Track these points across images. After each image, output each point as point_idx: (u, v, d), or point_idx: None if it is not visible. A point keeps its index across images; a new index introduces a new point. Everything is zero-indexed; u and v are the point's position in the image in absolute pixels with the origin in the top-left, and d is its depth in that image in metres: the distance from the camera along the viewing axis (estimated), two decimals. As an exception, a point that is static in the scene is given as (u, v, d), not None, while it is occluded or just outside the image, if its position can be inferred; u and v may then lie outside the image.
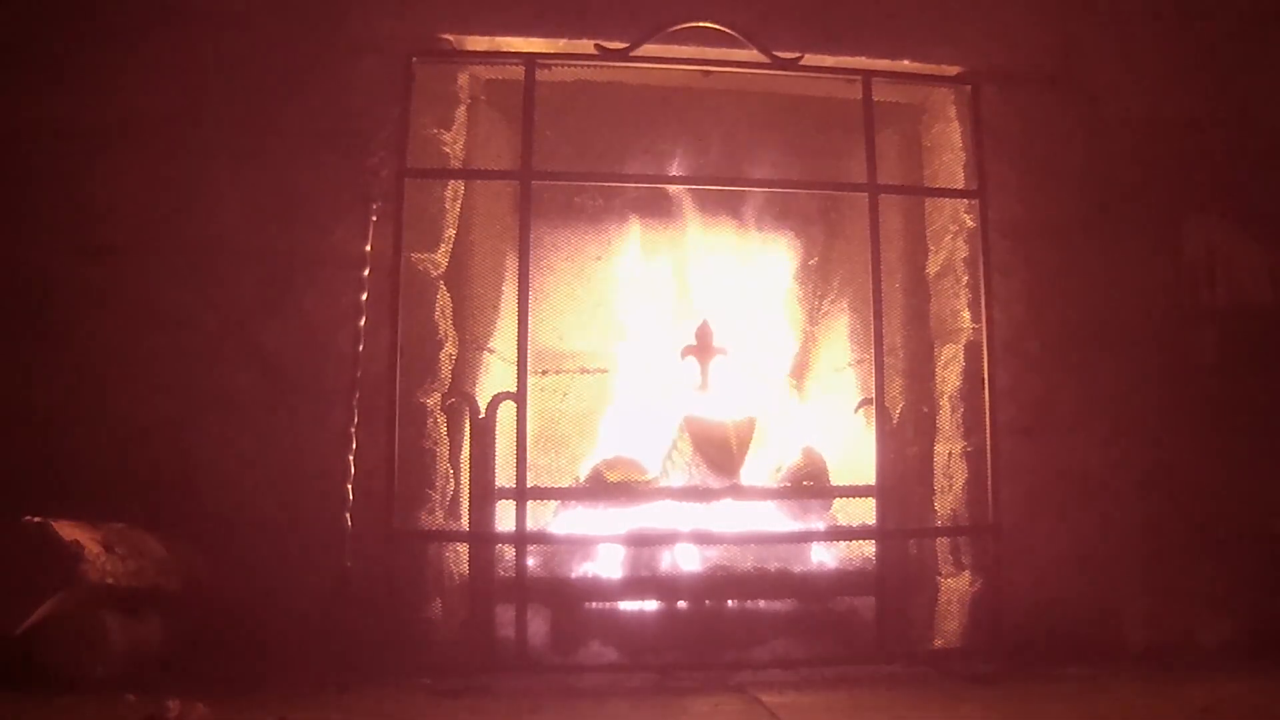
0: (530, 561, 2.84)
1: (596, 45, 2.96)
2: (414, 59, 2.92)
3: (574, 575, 2.93)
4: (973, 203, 3.07)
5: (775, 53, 2.98)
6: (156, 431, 2.84)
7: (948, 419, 3.14)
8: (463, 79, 3.07)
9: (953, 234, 3.18)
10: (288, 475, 2.82)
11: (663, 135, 3.25)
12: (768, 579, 2.95)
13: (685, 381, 3.19)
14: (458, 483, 2.97)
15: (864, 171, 2.96)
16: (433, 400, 2.95)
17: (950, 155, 3.20)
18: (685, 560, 2.95)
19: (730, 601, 2.96)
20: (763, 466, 3.24)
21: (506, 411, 2.82)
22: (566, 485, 3.15)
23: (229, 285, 2.91)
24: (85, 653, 2.38)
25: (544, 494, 2.98)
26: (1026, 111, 3.17)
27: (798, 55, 3.00)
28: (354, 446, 2.81)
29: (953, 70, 3.16)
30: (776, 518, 3.08)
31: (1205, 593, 3.03)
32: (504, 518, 2.82)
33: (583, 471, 3.21)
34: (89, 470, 2.77)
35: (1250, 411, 3.15)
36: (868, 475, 2.94)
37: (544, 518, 3.06)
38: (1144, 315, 3.17)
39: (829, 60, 3.09)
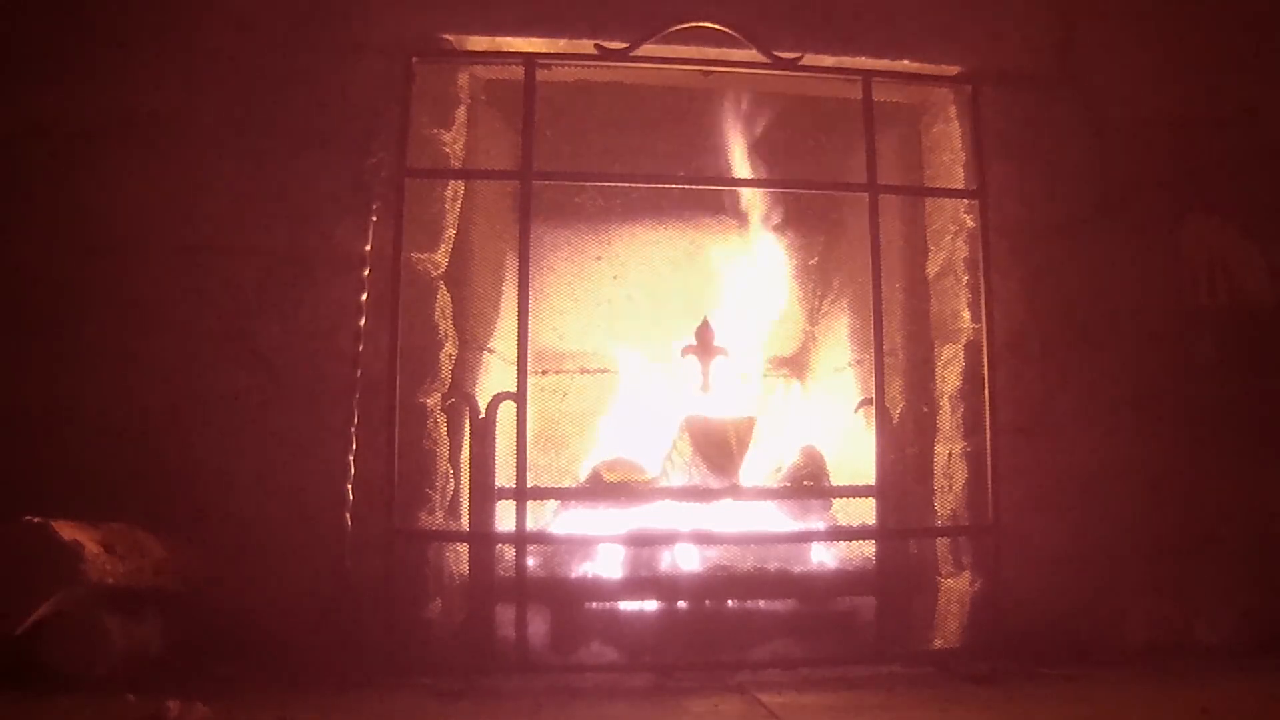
0: (530, 561, 2.84)
1: (596, 45, 2.96)
2: (414, 59, 2.92)
3: (574, 575, 2.93)
4: (973, 203, 3.07)
5: (775, 53, 2.98)
6: (156, 431, 2.84)
7: (948, 419, 3.14)
8: (463, 79, 3.07)
9: (953, 234, 3.18)
10: (288, 475, 2.82)
11: (663, 135, 3.25)
12: (768, 579, 2.95)
13: (685, 381, 3.19)
14: (458, 483, 2.97)
15: (864, 171, 2.97)
16: (433, 400, 2.95)
17: (950, 155, 3.20)
18: (685, 560, 2.95)
19: (730, 601, 2.96)
20: (763, 466, 3.24)
21: (506, 411, 2.82)
22: (566, 485, 3.16)
23: (229, 285, 2.91)
24: (85, 653, 2.38)
25: (544, 494, 2.98)
26: (1026, 111, 3.17)
27: (798, 55, 3.00)
28: (354, 446, 2.81)
29: (953, 70, 3.16)
30: (776, 518, 3.08)
31: (1205, 592, 3.03)
32: (504, 518, 2.82)
33: (583, 472, 3.21)
34: (89, 470, 2.77)
35: (1250, 411, 3.15)
36: (868, 475, 2.94)
37: (544, 518, 3.07)
38: (1144, 315, 3.17)
39: (829, 60, 3.09)
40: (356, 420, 2.82)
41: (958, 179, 3.15)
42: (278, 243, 2.92)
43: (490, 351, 3.22)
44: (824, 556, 3.10)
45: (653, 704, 2.46)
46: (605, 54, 2.95)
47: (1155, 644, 2.94)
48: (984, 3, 3.19)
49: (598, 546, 2.95)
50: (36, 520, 2.33)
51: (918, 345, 3.30)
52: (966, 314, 3.12)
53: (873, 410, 2.95)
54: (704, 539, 2.92)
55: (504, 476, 2.83)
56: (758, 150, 3.26)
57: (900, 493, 3.02)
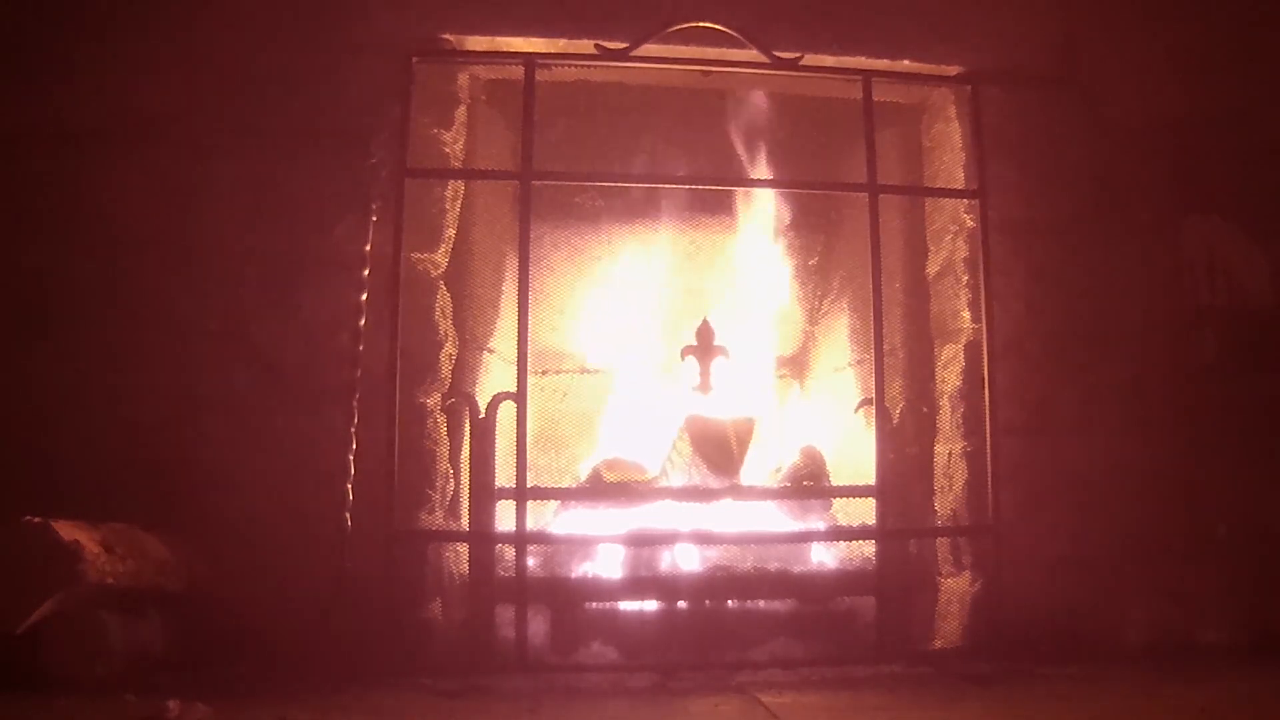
0: (530, 561, 2.84)
1: (596, 45, 2.96)
2: (414, 59, 2.92)
3: (574, 575, 2.93)
4: (973, 203, 3.08)
5: (775, 53, 2.98)
6: (156, 431, 2.84)
7: (948, 419, 3.14)
8: (463, 79, 3.07)
9: (953, 234, 3.18)
10: (288, 475, 2.82)
11: (663, 135, 3.25)
12: (768, 579, 2.95)
13: (685, 381, 3.18)
14: (458, 483, 2.97)
15: (864, 171, 2.97)
16: (433, 400, 2.95)
17: (950, 155, 3.20)
18: (685, 560, 2.95)
19: (730, 601, 2.96)
20: (763, 466, 3.24)
21: (506, 411, 2.83)
22: (566, 485, 3.16)
23: (229, 285, 2.91)
24: (85, 653, 2.38)
25: (544, 494, 2.98)
26: (1026, 111, 3.17)
27: (798, 55, 3.00)
28: (354, 446, 2.80)
29: (953, 70, 3.16)
30: (776, 518, 3.08)
31: (1205, 593, 3.03)
32: (504, 518, 2.82)
33: (583, 472, 3.21)
34: (89, 470, 2.76)
35: (1250, 411, 3.15)
36: (868, 475, 2.95)
37: (544, 518, 3.06)
38: (1144, 315, 3.17)
39: (829, 60, 3.09)
40: (356, 420, 2.82)
41: (958, 179, 3.15)
42: (278, 243, 2.92)
43: (490, 351, 3.22)
44: (824, 556, 3.10)
45: (653, 704, 2.46)
46: (605, 54, 2.96)
47: (1155, 644, 2.94)
48: (984, 3, 3.19)
49: (598, 546, 2.95)
50: (36, 520, 2.32)
51: (918, 345, 3.30)
52: (966, 314, 3.12)
53: (873, 410, 2.95)
54: (704, 539, 2.92)
55: (504, 476, 2.83)
56: (758, 150, 3.26)
57: (900, 493, 3.02)
